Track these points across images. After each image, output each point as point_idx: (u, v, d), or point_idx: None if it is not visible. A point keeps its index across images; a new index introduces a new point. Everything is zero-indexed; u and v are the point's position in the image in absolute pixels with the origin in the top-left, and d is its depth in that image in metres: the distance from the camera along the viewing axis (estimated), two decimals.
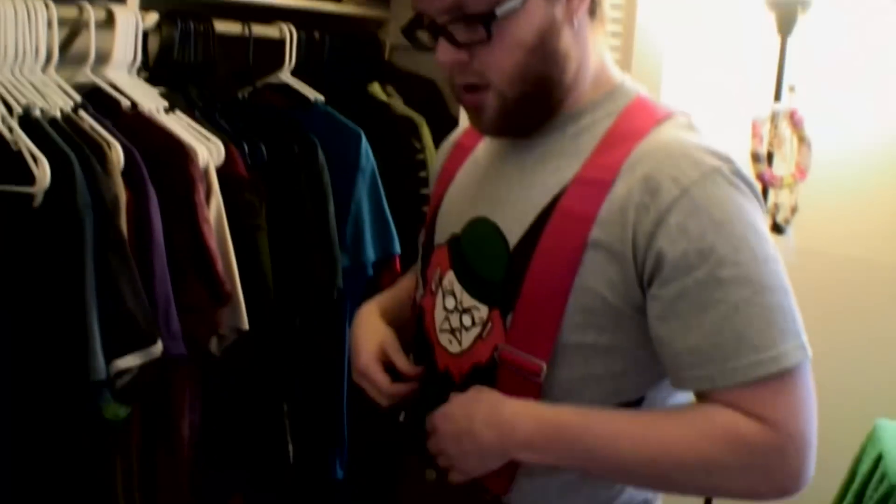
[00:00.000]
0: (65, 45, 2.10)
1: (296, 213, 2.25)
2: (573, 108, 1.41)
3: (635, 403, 1.38)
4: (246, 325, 2.04)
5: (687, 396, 1.36)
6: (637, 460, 1.30)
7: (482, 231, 1.44)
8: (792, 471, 1.25)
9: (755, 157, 2.73)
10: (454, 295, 1.46)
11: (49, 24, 1.89)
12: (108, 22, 2.04)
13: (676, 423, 1.30)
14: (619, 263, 1.29)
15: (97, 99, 2.00)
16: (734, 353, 1.23)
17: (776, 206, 2.85)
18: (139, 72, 2.18)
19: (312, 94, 2.47)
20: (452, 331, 1.46)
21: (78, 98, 1.91)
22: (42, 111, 1.80)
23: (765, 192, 2.83)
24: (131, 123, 1.96)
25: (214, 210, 2.00)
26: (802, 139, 2.78)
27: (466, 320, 1.44)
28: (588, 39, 1.39)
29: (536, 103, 1.38)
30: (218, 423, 2.16)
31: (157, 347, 1.78)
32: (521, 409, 1.35)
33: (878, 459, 2.46)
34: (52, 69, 1.92)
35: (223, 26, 2.32)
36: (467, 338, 1.44)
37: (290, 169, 2.24)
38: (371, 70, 2.73)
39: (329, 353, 2.42)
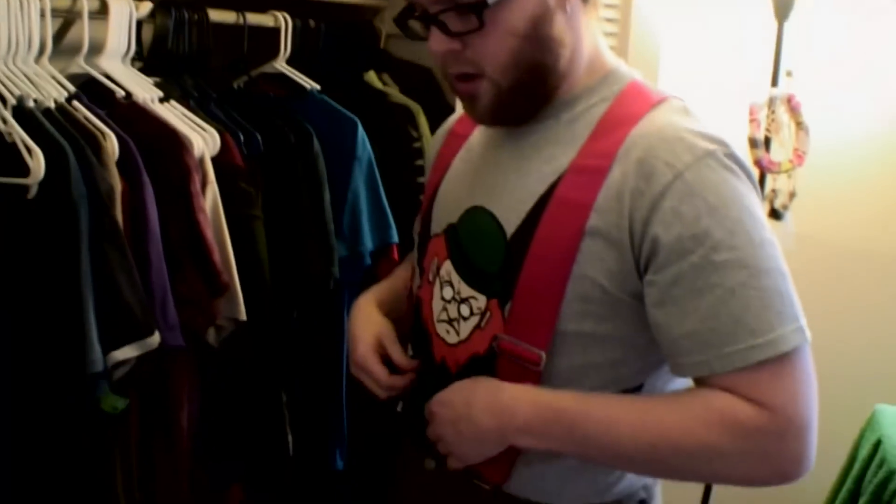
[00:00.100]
0: (58, 36, 2.09)
1: (291, 203, 2.24)
2: (568, 94, 1.41)
3: (634, 391, 1.38)
4: (243, 316, 2.03)
5: (686, 382, 1.36)
6: (635, 446, 1.30)
7: (479, 220, 1.44)
8: (792, 455, 1.25)
9: (753, 143, 2.73)
10: (452, 285, 1.46)
11: (42, 15, 1.88)
12: (102, 12, 2.02)
13: (674, 408, 1.30)
14: (617, 250, 1.29)
15: (91, 89, 1.99)
16: (731, 337, 1.23)
17: (774, 192, 2.85)
18: (133, 62, 2.16)
19: (308, 83, 2.46)
20: (450, 321, 1.46)
21: (72, 88, 1.90)
22: (36, 102, 1.79)
23: (762, 178, 2.83)
24: (126, 113, 1.95)
25: (210, 200, 1.99)
26: (800, 124, 2.78)
27: (464, 310, 1.44)
28: (581, 25, 1.38)
29: (531, 91, 1.38)
30: (216, 414, 2.15)
31: (155, 339, 1.77)
32: (521, 393, 1.35)
33: (878, 444, 2.47)
34: (45, 60, 1.91)
35: (218, 15, 2.31)
36: (465, 328, 1.43)
37: (285, 158, 2.24)
38: (367, 58, 2.71)
39: (327, 343, 2.41)
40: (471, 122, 1.53)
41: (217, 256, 1.95)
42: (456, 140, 1.62)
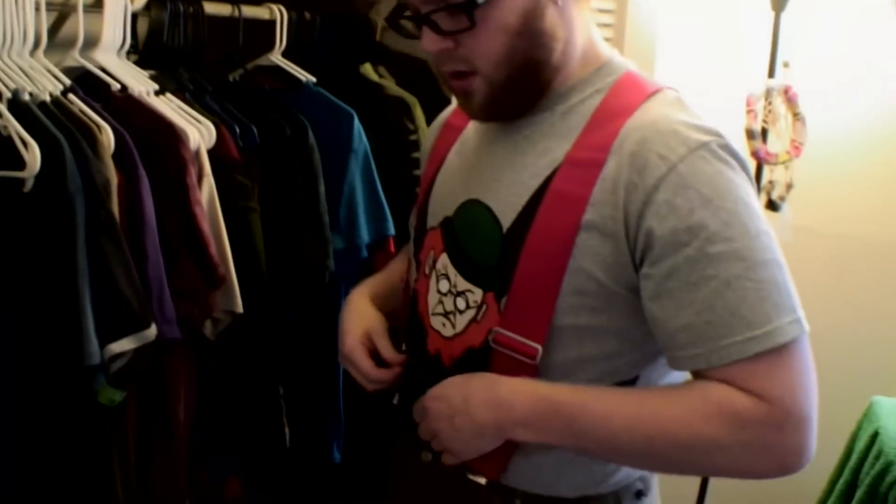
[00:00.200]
0: (53, 29, 2.08)
1: (286, 196, 2.24)
2: (562, 86, 1.41)
3: (629, 383, 1.38)
4: (240, 308, 2.03)
5: (683, 375, 1.36)
6: (632, 438, 1.29)
7: (475, 213, 1.43)
8: (792, 447, 1.24)
9: (750, 134, 2.72)
10: (448, 278, 1.46)
11: (37, 8, 1.88)
12: (97, 5, 2.02)
13: (672, 401, 1.30)
14: (613, 244, 1.29)
15: (87, 82, 1.99)
16: (728, 330, 1.23)
17: (771, 183, 2.85)
18: (129, 55, 2.16)
19: (304, 75, 2.45)
20: (446, 314, 1.46)
21: (67, 82, 1.90)
22: (31, 95, 1.79)
23: (760, 169, 2.83)
24: (121, 106, 1.95)
25: (207, 192, 1.99)
26: (797, 115, 2.78)
27: (461, 303, 1.43)
28: (574, 16, 1.38)
29: (525, 86, 1.38)
30: (214, 407, 2.15)
31: (152, 331, 1.77)
32: (518, 386, 1.35)
33: (875, 436, 2.47)
34: (40, 53, 1.91)
35: (213, 8, 2.31)
36: (461, 321, 1.43)
37: (281, 151, 2.23)
38: (363, 51, 2.71)
39: (324, 336, 2.42)
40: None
41: (213, 249, 1.95)
42: (451, 132, 1.61)
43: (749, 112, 2.73)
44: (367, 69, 2.65)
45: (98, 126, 1.80)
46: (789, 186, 2.83)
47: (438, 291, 1.48)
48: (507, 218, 1.38)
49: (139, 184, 1.83)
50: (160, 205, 1.87)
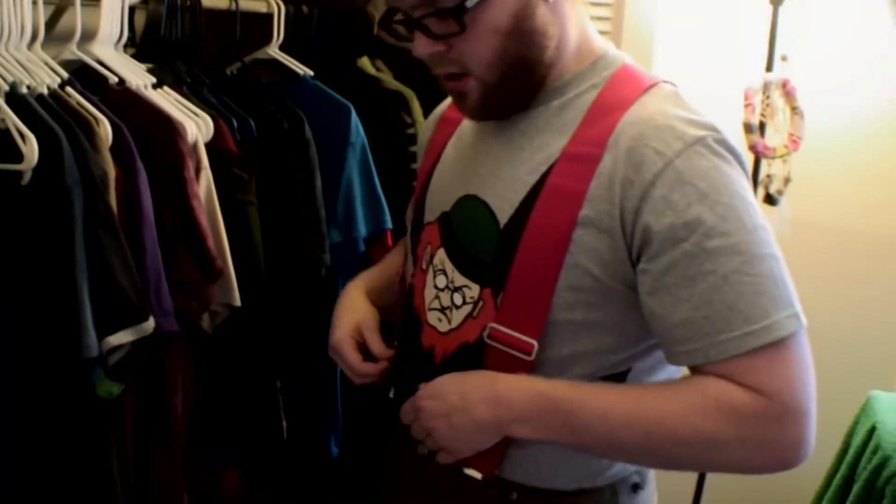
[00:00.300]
0: (51, 22, 2.08)
1: (283, 190, 2.24)
2: (557, 81, 1.41)
3: (621, 375, 1.38)
4: (238, 302, 2.03)
5: (676, 367, 1.36)
6: (630, 434, 1.29)
7: (472, 209, 1.43)
8: (790, 441, 1.24)
9: (748, 128, 2.73)
10: (445, 273, 1.46)
11: (34, 2, 1.87)
12: None
13: (670, 396, 1.30)
14: (609, 240, 1.29)
15: (84, 76, 1.98)
16: (726, 324, 1.23)
17: (769, 177, 2.85)
18: (126, 48, 2.16)
19: (301, 69, 2.45)
20: (443, 309, 1.46)
21: (65, 75, 1.89)
22: (29, 88, 1.78)
23: (758, 163, 2.83)
24: (119, 99, 1.95)
25: (204, 186, 1.99)
26: (795, 109, 2.78)
27: (457, 299, 1.43)
28: (567, 12, 1.38)
29: (519, 85, 1.38)
30: (211, 400, 2.15)
31: (149, 324, 1.77)
32: (516, 383, 1.35)
33: (872, 431, 2.47)
34: (38, 46, 1.90)
35: (210, 1, 2.30)
36: (457, 316, 1.43)
37: (278, 144, 2.23)
38: (360, 44, 2.71)
39: (321, 329, 2.41)
40: None
41: (211, 242, 1.95)
42: (448, 126, 1.62)
43: (747, 106, 2.74)
44: (365, 63, 2.65)
45: (96, 119, 1.80)
46: (787, 180, 2.84)
47: (435, 287, 1.48)
48: (504, 214, 1.38)
49: (137, 177, 1.82)
50: (158, 198, 1.86)
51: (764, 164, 2.84)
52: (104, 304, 1.71)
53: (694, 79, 2.53)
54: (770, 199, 2.84)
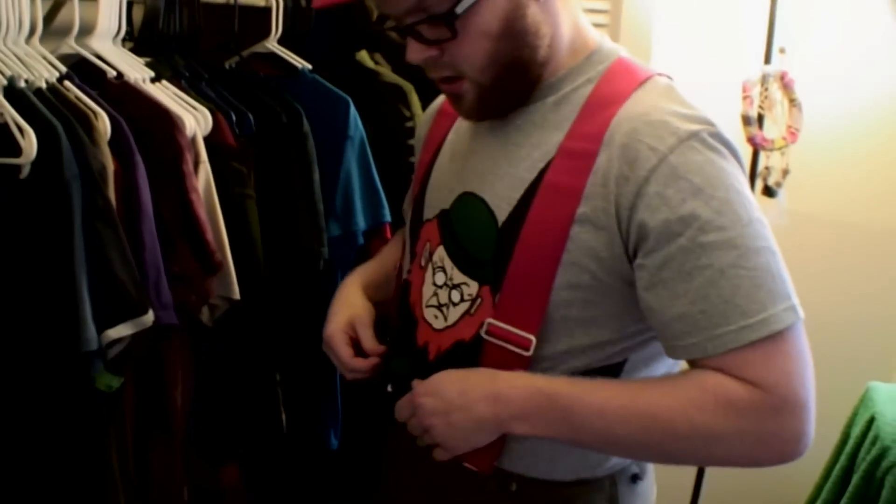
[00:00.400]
0: (49, 17, 2.07)
1: (281, 183, 2.24)
2: (552, 76, 1.41)
3: (618, 366, 1.38)
4: (237, 295, 2.03)
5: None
6: (628, 430, 1.30)
7: (471, 207, 1.44)
8: (789, 434, 1.24)
9: (746, 120, 2.73)
10: (445, 270, 1.46)
11: None
12: None
13: (667, 391, 1.30)
14: (606, 237, 1.29)
15: (82, 70, 1.98)
16: (723, 318, 1.23)
17: (767, 169, 2.86)
18: (124, 42, 2.16)
19: (300, 62, 2.45)
20: (440, 306, 1.46)
21: (63, 69, 1.89)
22: (27, 82, 1.78)
23: (756, 155, 2.83)
24: (117, 93, 1.95)
25: (203, 179, 1.99)
26: (793, 101, 2.78)
27: (455, 296, 1.44)
28: (558, 7, 1.38)
29: (513, 85, 1.39)
30: (211, 393, 2.16)
31: (149, 317, 1.77)
32: (515, 380, 1.35)
33: (871, 421, 2.48)
34: (36, 40, 1.90)
35: None
36: (454, 313, 1.44)
37: (276, 138, 2.23)
38: (359, 38, 2.71)
39: (320, 322, 2.42)
40: None
41: (210, 235, 1.95)
42: (446, 119, 1.62)
43: (745, 98, 2.74)
44: (363, 56, 2.65)
45: (94, 113, 1.80)
46: (785, 172, 2.84)
47: (434, 284, 1.48)
48: (502, 212, 1.38)
49: (135, 170, 1.82)
50: (156, 191, 1.86)
51: (762, 156, 2.85)
52: (103, 297, 1.71)
53: (692, 71, 2.54)
54: (768, 191, 2.84)
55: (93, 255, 1.70)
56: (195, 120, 2.00)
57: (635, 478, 1.51)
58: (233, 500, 2.36)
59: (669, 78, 1.41)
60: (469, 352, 1.41)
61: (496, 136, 1.45)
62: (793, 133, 2.78)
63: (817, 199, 3.03)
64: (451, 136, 1.59)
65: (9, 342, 1.71)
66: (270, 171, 2.22)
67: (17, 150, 1.66)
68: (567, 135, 1.35)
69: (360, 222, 2.40)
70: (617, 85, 1.37)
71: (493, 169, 1.42)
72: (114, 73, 2.00)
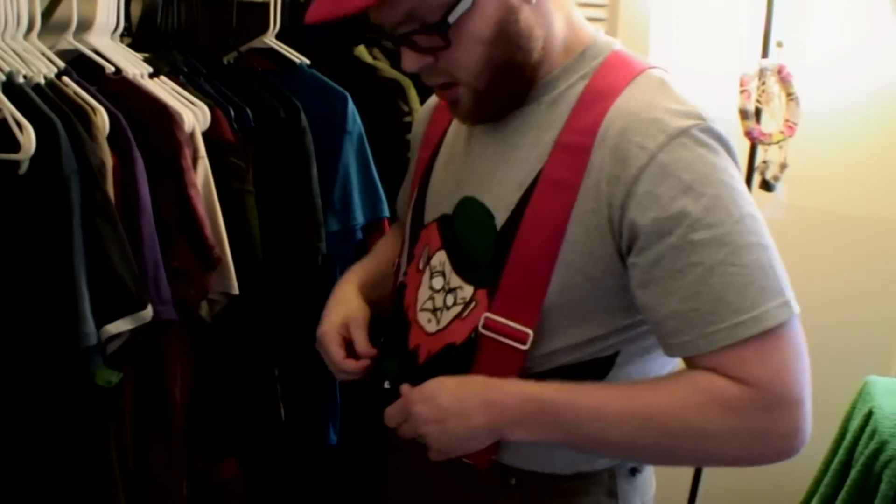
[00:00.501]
0: (47, 12, 2.08)
1: (279, 178, 2.24)
2: (548, 75, 1.41)
3: (610, 359, 1.38)
4: (236, 290, 2.04)
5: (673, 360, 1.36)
6: (622, 432, 1.29)
7: (471, 211, 1.44)
8: (784, 431, 1.24)
9: (743, 114, 2.73)
10: (443, 274, 1.46)
11: None
12: None
13: (661, 392, 1.30)
14: (599, 236, 1.29)
15: (81, 65, 1.98)
16: (714, 316, 1.23)
17: (765, 163, 2.85)
18: (122, 38, 2.16)
19: (298, 57, 2.45)
20: (434, 310, 1.46)
21: (61, 64, 1.89)
22: (26, 78, 1.78)
23: (754, 149, 2.83)
24: (116, 89, 1.95)
25: (202, 174, 1.99)
26: (791, 95, 2.78)
27: (449, 300, 1.44)
28: (551, 7, 1.37)
29: (509, 89, 1.39)
30: (210, 388, 2.16)
31: (148, 312, 1.77)
32: (508, 388, 1.34)
33: (869, 415, 2.48)
34: (34, 36, 1.90)
35: None
36: (446, 317, 1.44)
37: (274, 133, 2.23)
38: (357, 33, 2.71)
39: (318, 317, 2.42)
40: None
41: (209, 231, 1.95)
42: (444, 115, 1.61)
43: (742, 92, 2.74)
44: (362, 51, 2.65)
45: (93, 108, 1.80)
46: (783, 166, 2.84)
47: (431, 288, 1.48)
48: (501, 215, 1.39)
49: (134, 166, 1.83)
50: (155, 187, 1.87)
51: (760, 150, 2.84)
52: (102, 292, 1.71)
53: (689, 65, 2.54)
54: (766, 185, 2.84)
55: (92, 251, 1.70)
56: (194, 115, 2.00)
57: (634, 471, 1.51)
58: (232, 494, 2.37)
59: (664, 70, 1.41)
60: (460, 355, 1.40)
61: (495, 138, 1.45)
62: (790, 127, 2.77)
63: (815, 194, 3.03)
64: (449, 135, 1.59)
65: (8, 338, 1.71)
66: (269, 166, 2.22)
67: (15, 146, 1.66)
68: (563, 128, 1.35)
69: (359, 217, 2.40)
70: (611, 78, 1.37)
71: (492, 172, 1.43)
72: (112, 68, 2.00)
